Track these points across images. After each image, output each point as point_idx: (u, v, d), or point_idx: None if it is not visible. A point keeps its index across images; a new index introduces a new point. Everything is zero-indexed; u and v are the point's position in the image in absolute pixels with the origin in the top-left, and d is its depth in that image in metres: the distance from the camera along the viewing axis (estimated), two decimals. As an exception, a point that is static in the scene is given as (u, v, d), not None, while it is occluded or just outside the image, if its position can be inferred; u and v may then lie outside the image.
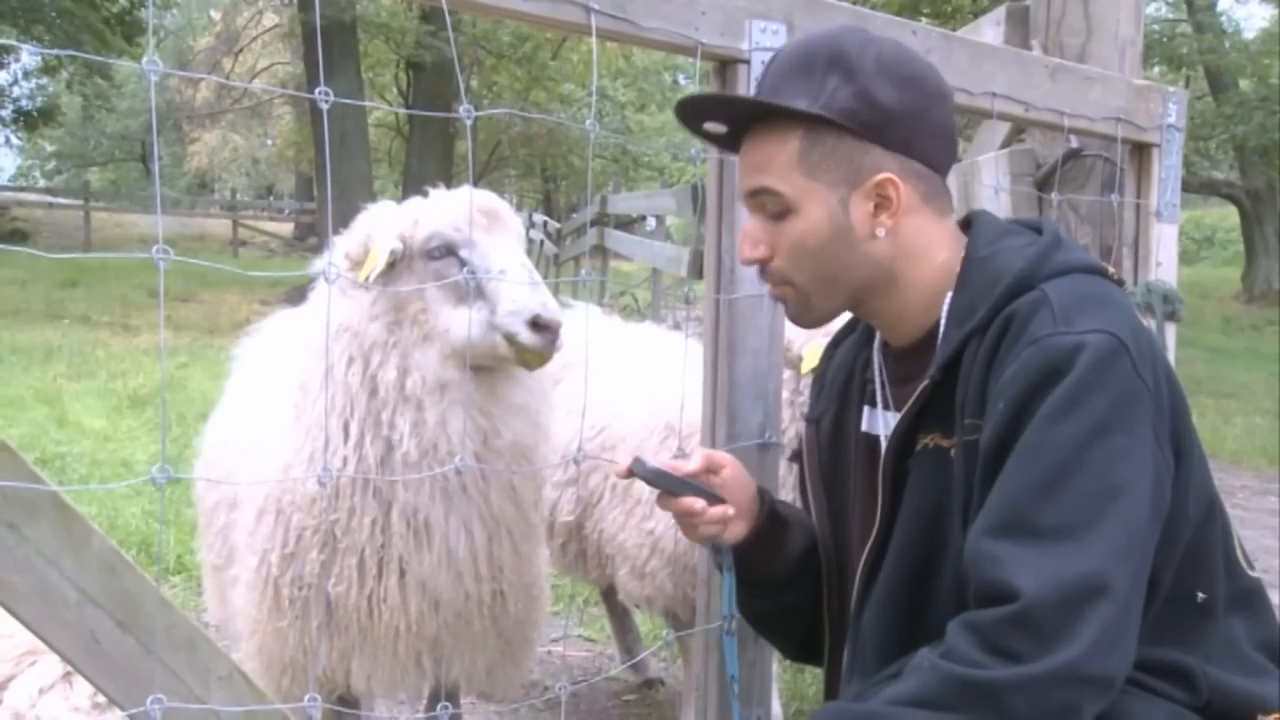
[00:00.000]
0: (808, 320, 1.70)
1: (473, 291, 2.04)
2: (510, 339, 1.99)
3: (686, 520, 1.76)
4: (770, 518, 1.83)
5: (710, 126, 1.69)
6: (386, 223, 2.15)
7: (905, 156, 1.57)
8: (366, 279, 2.05)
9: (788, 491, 2.71)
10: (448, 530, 2.10)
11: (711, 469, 1.78)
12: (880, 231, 1.57)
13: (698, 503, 1.74)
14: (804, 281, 1.62)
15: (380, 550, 2.09)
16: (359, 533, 2.08)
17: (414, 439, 2.04)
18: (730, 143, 1.69)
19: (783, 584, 1.86)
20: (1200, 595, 1.52)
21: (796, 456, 1.91)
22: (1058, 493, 1.35)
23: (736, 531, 1.80)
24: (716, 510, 1.75)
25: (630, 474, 1.74)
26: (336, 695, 2.30)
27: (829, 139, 1.55)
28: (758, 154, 1.61)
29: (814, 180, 1.56)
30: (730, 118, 1.67)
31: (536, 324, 1.97)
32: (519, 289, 2.00)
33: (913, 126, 1.57)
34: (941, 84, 1.63)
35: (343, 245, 2.14)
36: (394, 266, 2.10)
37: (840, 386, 1.81)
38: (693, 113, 1.69)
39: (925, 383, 1.55)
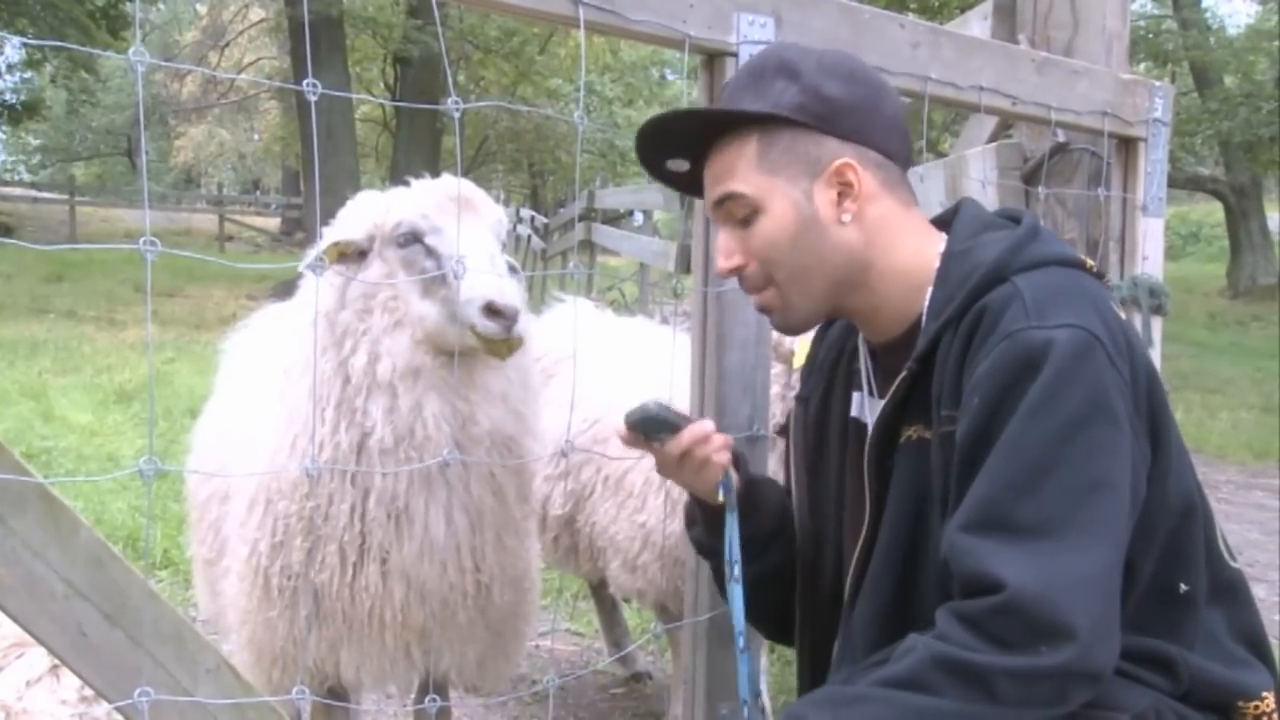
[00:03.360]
0: (793, 324, 1.70)
1: (438, 279, 2.04)
2: (470, 327, 1.99)
3: (700, 449, 1.73)
4: (743, 469, 1.85)
5: (673, 164, 1.73)
6: (361, 213, 2.17)
7: (860, 145, 1.60)
8: (315, 264, 2.05)
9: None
10: (428, 519, 2.10)
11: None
12: (846, 217, 1.60)
13: (707, 423, 1.75)
14: (782, 279, 1.63)
15: (360, 537, 2.10)
16: (338, 519, 2.09)
17: (388, 425, 2.05)
18: (694, 182, 1.72)
19: (770, 536, 1.85)
20: (1183, 586, 1.53)
21: (783, 431, 1.92)
22: (1037, 489, 1.36)
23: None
24: (720, 435, 1.76)
25: (632, 430, 1.73)
26: (327, 686, 2.30)
27: (784, 136, 1.59)
28: (718, 165, 1.64)
29: (775, 177, 1.59)
30: (690, 148, 1.68)
31: (491, 310, 1.96)
32: (477, 276, 1.99)
33: (863, 117, 1.61)
34: (883, 81, 1.67)
35: (329, 237, 2.16)
36: (365, 255, 2.12)
37: (830, 365, 1.82)
38: (653, 146, 1.72)
39: (903, 374, 1.57)
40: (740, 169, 1.61)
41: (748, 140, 1.60)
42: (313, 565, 2.12)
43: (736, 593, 1.79)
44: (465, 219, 2.06)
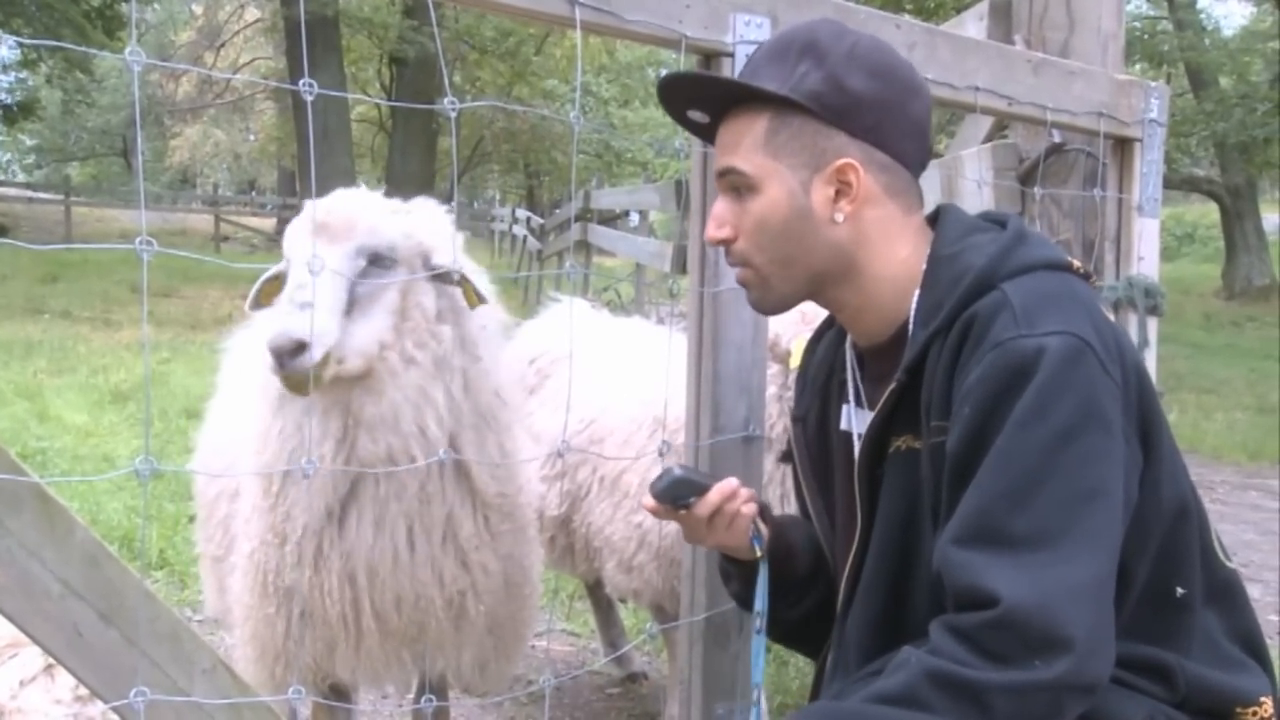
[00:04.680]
0: (767, 304, 1.69)
1: None
2: None
3: (729, 505, 1.72)
4: (769, 517, 1.83)
5: (694, 115, 1.70)
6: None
7: (871, 146, 1.57)
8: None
9: (774, 488, 2.72)
10: (360, 530, 2.10)
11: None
12: (839, 217, 1.57)
13: (731, 480, 1.74)
14: (763, 263, 1.62)
15: (313, 539, 2.12)
16: (291, 521, 2.12)
17: (279, 440, 2.09)
18: (711, 133, 1.70)
19: (811, 573, 1.84)
20: (1179, 590, 1.52)
21: (787, 457, 1.90)
22: (1030, 500, 1.35)
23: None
24: (745, 489, 1.75)
25: (660, 500, 1.71)
26: (329, 684, 2.31)
27: (795, 122, 1.57)
28: (728, 136, 1.63)
29: (777, 161, 1.57)
30: (709, 106, 1.67)
31: (269, 350, 1.87)
32: (277, 310, 1.93)
33: (881, 116, 1.57)
34: (917, 80, 1.63)
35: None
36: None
37: (822, 383, 1.80)
38: (674, 97, 1.70)
39: (892, 385, 1.55)
40: (745, 146, 1.59)
41: (759, 117, 1.58)
42: (285, 563, 2.14)
43: (759, 645, 1.80)
44: (319, 244, 1.94)
